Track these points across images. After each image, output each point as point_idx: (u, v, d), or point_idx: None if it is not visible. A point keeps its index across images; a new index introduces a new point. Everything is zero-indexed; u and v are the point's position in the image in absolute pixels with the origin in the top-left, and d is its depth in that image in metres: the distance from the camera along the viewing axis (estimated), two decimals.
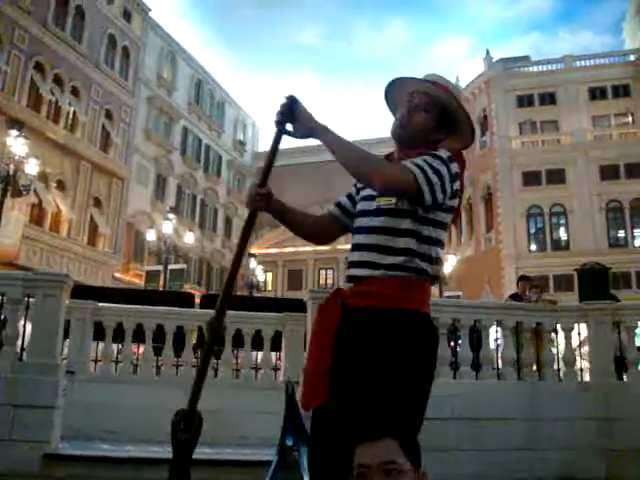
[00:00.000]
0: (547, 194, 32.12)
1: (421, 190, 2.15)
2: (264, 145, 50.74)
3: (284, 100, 2.29)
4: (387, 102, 2.55)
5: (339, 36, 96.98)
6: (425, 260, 2.23)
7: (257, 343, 8.62)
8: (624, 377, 8.30)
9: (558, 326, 8.25)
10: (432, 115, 2.39)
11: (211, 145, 41.23)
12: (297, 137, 2.34)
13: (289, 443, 4.67)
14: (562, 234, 32.56)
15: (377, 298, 2.17)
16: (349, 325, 2.18)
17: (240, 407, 7.70)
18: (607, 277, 8.95)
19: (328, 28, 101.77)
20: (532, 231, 32.79)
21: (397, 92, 2.48)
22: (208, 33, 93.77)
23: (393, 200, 2.23)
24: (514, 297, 10.00)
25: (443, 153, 2.27)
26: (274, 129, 2.34)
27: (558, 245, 32.25)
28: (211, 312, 2.41)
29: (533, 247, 32.52)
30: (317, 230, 2.62)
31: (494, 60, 36.57)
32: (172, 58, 37.84)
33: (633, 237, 31.68)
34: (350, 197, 2.54)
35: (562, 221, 32.52)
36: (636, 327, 8.17)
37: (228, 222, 42.67)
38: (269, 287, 41.79)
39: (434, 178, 2.17)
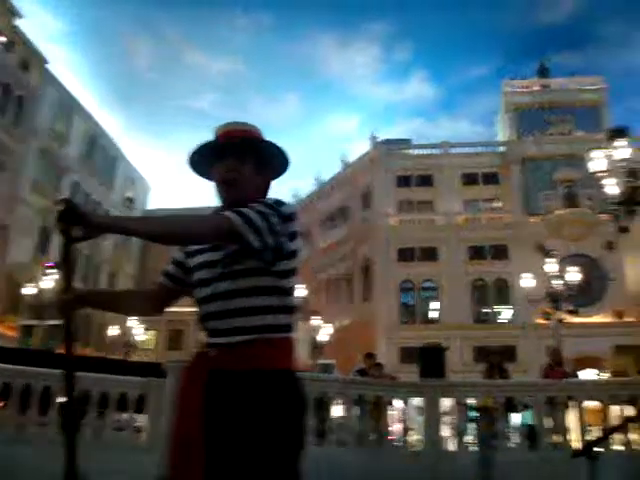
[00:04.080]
0: (419, 270, 33.60)
1: (241, 234, 2.04)
2: (154, 203, 50.94)
3: (60, 206, 1.99)
4: (195, 166, 2.38)
5: (235, 105, 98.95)
6: (282, 312, 2.16)
7: (122, 405, 9.03)
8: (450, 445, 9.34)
9: (396, 399, 9.23)
10: (250, 163, 2.29)
11: (100, 200, 41.03)
12: (90, 238, 2.06)
13: None
14: (432, 308, 33.90)
15: (244, 362, 2.06)
16: (218, 391, 2.04)
17: (104, 468, 7.89)
18: (443, 356, 9.97)
19: (224, 97, 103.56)
20: (404, 304, 34.06)
21: (207, 154, 2.32)
22: (105, 92, 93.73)
23: (239, 261, 2.13)
24: (360, 372, 10.94)
25: (268, 199, 2.20)
26: (62, 238, 2.12)
27: (427, 318, 33.62)
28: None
29: (404, 319, 33.63)
30: (145, 304, 2.47)
31: (379, 140, 38.46)
32: (67, 112, 37.75)
33: (495, 314, 33.56)
34: (178, 264, 2.38)
35: (432, 296, 34.02)
36: (465, 403, 9.22)
37: (112, 277, 42.27)
38: (149, 346, 41.32)
39: (259, 221, 2.06)
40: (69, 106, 37.94)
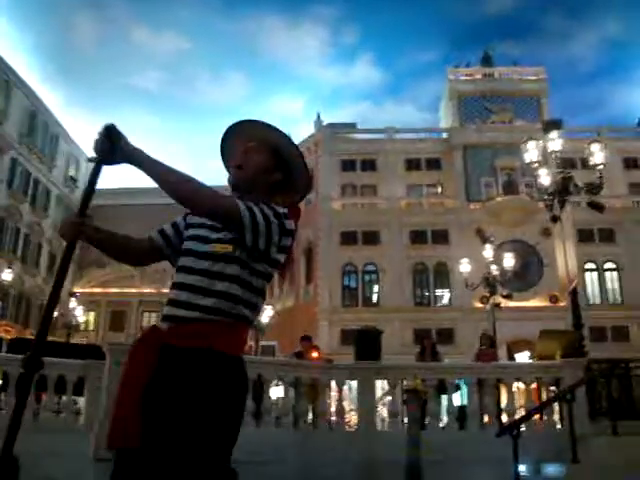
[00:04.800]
0: (362, 253, 33.99)
1: (243, 226, 2.16)
2: (98, 183, 49.82)
3: (103, 129, 2.18)
4: (222, 153, 2.54)
5: (180, 84, 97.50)
6: (247, 307, 2.24)
7: (61, 388, 9.08)
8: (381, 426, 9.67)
9: (332, 382, 9.49)
10: (265, 155, 2.41)
11: (40, 179, 39.99)
12: (114, 164, 2.24)
13: None
14: (374, 291, 34.46)
15: (196, 339, 2.13)
16: (164, 365, 2.11)
17: (40, 450, 7.21)
18: (379, 340, 10.25)
19: (170, 75, 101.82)
20: (346, 287, 34.37)
21: (232, 141, 2.49)
22: (47, 67, 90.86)
23: (230, 248, 2.21)
24: (298, 355, 11.18)
25: (279, 208, 2.29)
26: (94, 158, 2.25)
27: (369, 301, 34.10)
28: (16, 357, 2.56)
29: (347, 302, 33.95)
30: (132, 251, 2.50)
31: (324, 124, 38.61)
32: (6, 86, 36.73)
33: (435, 297, 34.28)
34: (175, 227, 2.47)
35: (374, 279, 34.50)
36: (398, 384, 9.52)
37: (52, 258, 41.41)
38: (90, 327, 40.84)
39: (261, 221, 2.19)
40: (9, 81, 36.81)
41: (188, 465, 2.00)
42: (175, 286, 2.28)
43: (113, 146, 2.16)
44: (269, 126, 2.43)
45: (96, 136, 2.19)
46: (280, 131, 2.43)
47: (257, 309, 2.30)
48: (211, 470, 2.06)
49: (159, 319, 2.29)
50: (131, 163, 2.19)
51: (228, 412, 2.14)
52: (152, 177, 2.17)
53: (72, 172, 44.94)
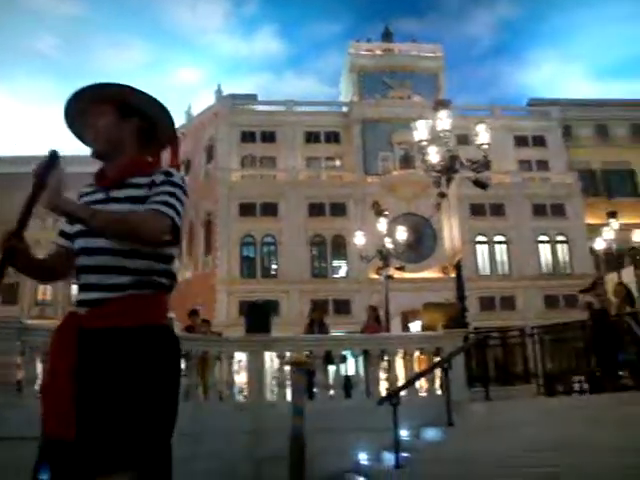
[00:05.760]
0: (261, 225, 33.87)
1: (177, 225, 2.19)
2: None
3: (46, 156, 2.11)
4: (71, 128, 2.47)
5: (78, 49, 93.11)
6: (162, 276, 2.23)
7: None
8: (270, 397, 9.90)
9: (222, 354, 9.64)
10: (109, 113, 2.34)
11: None
12: (43, 206, 2.09)
13: None
14: (272, 263, 34.48)
15: (117, 318, 2.09)
16: (90, 349, 2.06)
17: None
18: (268, 312, 10.51)
19: (67, 39, 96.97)
20: (245, 258, 34.19)
21: (76, 115, 2.42)
22: None
23: None
24: (188, 329, 11.26)
25: (177, 177, 2.29)
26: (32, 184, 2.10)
27: (267, 273, 34.09)
28: None
29: (245, 273, 33.83)
30: (56, 269, 2.39)
31: (224, 94, 38.07)
32: None
33: (332, 269, 34.63)
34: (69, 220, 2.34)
35: (273, 250, 34.51)
36: (285, 355, 9.74)
37: None
38: None
39: (181, 209, 2.21)
40: None
41: (134, 450, 1.98)
42: (82, 270, 2.23)
43: (48, 172, 2.08)
44: (103, 85, 2.35)
45: (42, 160, 2.11)
46: (117, 83, 2.36)
47: (172, 275, 2.30)
48: (157, 454, 2.10)
49: (75, 305, 2.22)
50: (55, 211, 2.10)
51: (170, 385, 2.15)
52: (88, 227, 2.13)
53: None
